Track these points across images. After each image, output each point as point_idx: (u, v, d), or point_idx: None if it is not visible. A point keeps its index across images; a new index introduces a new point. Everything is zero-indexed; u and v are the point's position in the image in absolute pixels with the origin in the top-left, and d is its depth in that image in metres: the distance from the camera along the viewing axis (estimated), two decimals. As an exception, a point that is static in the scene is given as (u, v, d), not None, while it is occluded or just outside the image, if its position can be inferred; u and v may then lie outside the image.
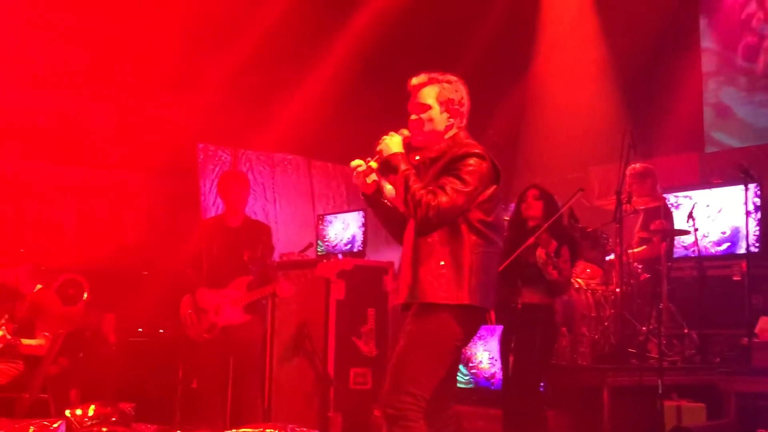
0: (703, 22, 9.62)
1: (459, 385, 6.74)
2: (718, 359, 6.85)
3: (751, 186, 7.08)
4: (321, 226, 8.55)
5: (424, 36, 10.23)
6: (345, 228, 8.26)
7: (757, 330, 6.24)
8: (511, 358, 5.69)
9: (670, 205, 7.56)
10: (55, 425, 5.50)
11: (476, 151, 4.05)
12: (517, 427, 5.62)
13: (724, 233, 7.61)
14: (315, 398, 7.18)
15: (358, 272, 7.45)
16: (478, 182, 4.00)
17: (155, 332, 8.24)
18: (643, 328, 6.80)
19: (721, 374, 6.17)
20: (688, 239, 7.28)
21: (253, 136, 9.79)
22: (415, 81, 4.23)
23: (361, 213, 8.17)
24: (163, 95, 9.08)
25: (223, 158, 9.80)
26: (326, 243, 8.38)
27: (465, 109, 4.23)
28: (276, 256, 7.64)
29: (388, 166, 4.12)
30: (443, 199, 3.94)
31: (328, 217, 8.59)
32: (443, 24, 10.17)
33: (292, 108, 9.57)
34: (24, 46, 8.13)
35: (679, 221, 7.34)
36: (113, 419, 6.22)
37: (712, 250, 7.60)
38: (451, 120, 4.18)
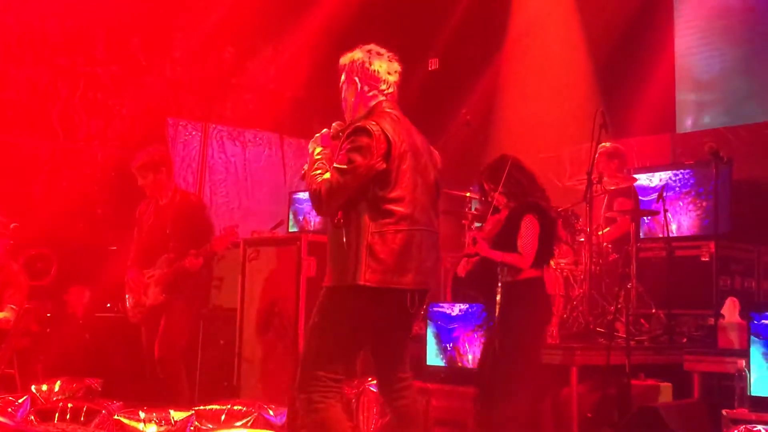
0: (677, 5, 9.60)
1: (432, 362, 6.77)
2: (685, 339, 6.90)
3: (721, 167, 7.11)
4: (293, 204, 8.51)
5: (398, 12, 10.17)
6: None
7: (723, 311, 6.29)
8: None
9: (639, 186, 7.58)
10: (20, 400, 5.47)
11: (364, 126, 3.92)
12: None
13: (693, 214, 7.65)
14: (284, 375, 7.16)
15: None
16: (362, 159, 3.85)
17: (123, 308, 8.16)
18: (612, 308, 6.83)
19: (688, 354, 6.22)
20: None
21: (225, 112, 9.70)
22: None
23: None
24: (133, 69, 8.98)
25: (192, 134, 9.71)
26: (298, 220, 8.35)
27: (382, 76, 4.13)
28: (247, 233, 7.61)
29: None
30: (325, 183, 3.87)
31: (300, 194, 8.55)
32: (417, 1, 10.12)
33: (265, 83, 9.49)
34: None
35: (650, 202, 7.37)
36: (79, 395, 6.18)
37: (682, 232, 7.64)
38: (365, 92, 4.11)
